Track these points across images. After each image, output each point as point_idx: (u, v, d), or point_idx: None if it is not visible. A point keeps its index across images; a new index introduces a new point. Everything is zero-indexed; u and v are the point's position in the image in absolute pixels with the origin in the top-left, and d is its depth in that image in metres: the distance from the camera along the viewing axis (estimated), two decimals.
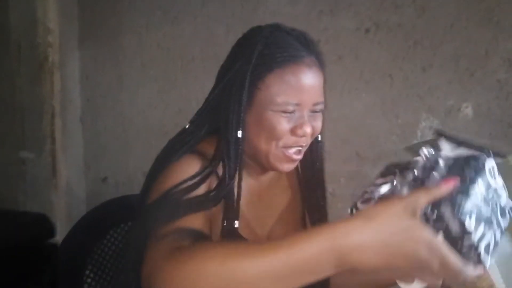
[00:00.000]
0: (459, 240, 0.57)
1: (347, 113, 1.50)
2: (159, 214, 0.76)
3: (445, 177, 0.61)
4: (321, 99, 0.87)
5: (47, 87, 1.63)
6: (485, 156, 0.64)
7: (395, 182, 0.63)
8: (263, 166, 0.87)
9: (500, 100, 1.40)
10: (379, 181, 0.65)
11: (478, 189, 0.59)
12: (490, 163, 0.63)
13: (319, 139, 0.97)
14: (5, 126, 1.69)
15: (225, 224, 0.82)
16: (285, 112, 0.81)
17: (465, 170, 0.61)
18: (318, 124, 0.88)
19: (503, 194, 0.63)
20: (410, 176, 0.63)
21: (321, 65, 0.86)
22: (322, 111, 0.88)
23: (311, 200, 0.98)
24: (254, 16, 1.51)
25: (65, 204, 1.68)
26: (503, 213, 0.62)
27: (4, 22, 1.62)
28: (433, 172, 0.62)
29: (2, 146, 1.71)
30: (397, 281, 0.70)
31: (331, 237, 0.56)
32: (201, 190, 0.79)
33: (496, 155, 0.65)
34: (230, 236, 0.82)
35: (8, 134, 1.68)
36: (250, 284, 0.57)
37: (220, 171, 0.82)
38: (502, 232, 0.62)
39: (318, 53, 0.85)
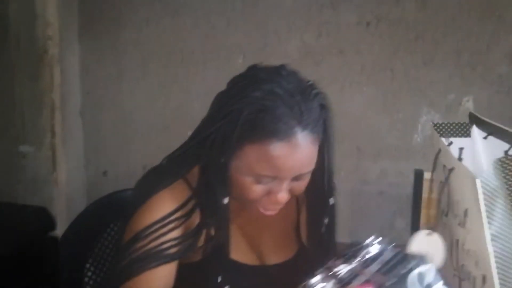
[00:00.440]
0: None
1: (348, 107, 1.50)
2: (123, 266, 0.75)
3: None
4: (309, 169, 0.77)
5: (46, 80, 1.62)
6: (418, 261, 0.62)
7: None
8: None
9: (501, 95, 1.40)
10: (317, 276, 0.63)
11: None
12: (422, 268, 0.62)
13: (331, 202, 0.85)
14: (4, 120, 1.68)
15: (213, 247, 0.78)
16: (261, 182, 0.75)
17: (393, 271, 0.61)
18: (302, 185, 0.78)
19: None
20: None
21: (318, 134, 0.75)
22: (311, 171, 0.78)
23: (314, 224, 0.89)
24: (255, 9, 1.50)
25: (65, 198, 1.68)
26: None
27: (3, 15, 1.61)
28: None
29: (2, 140, 1.70)
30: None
31: None
32: (175, 233, 0.76)
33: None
34: (218, 256, 0.79)
35: (8, 128, 1.67)
36: None
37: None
38: None
39: (316, 121, 0.74)
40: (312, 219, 0.88)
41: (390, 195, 1.51)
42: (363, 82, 1.47)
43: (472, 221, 0.74)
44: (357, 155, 1.51)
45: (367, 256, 0.65)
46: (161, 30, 1.58)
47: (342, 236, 1.46)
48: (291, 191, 0.77)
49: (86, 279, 1.05)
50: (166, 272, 0.76)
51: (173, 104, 1.62)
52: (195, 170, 0.81)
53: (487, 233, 0.69)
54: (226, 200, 0.77)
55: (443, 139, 0.86)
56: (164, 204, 0.78)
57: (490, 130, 0.82)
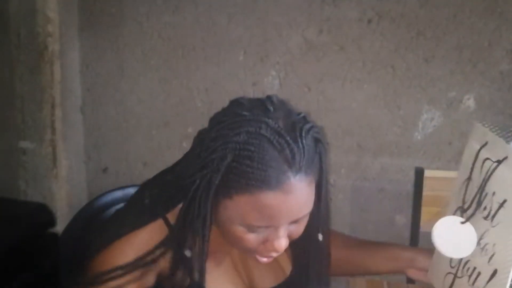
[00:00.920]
0: None
1: (349, 103, 1.49)
2: None
3: None
4: (306, 211, 0.71)
5: (47, 76, 1.62)
6: None
7: None
8: None
9: (503, 92, 1.40)
10: None
11: None
12: None
13: (320, 239, 0.79)
14: (5, 116, 1.68)
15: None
16: (255, 231, 0.69)
17: None
18: (300, 227, 0.72)
19: None
20: None
21: (314, 173, 0.69)
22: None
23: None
24: (256, 5, 1.50)
25: (65, 194, 1.68)
26: None
27: (3, 11, 1.60)
28: None
29: (2, 136, 1.70)
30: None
31: None
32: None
33: None
34: None
35: (8, 124, 1.67)
36: None
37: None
38: None
39: (311, 160, 0.67)
40: (297, 254, 0.83)
41: (390, 192, 1.51)
42: (364, 78, 1.47)
43: (509, 212, 0.75)
44: (358, 151, 1.51)
45: None
46: (162, 26, 1.58)
47: (342, 232, 1.45)
48: (289, 235, 0.71)
49: None
50: None
51: (173, 100, 1.61)
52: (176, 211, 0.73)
53: None
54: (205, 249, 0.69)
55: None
56: (133, 248, 0.70)
57: None
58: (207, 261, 0.71)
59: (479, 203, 0.83)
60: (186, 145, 1.63)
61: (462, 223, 0.84)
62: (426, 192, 1.24)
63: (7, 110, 1.66)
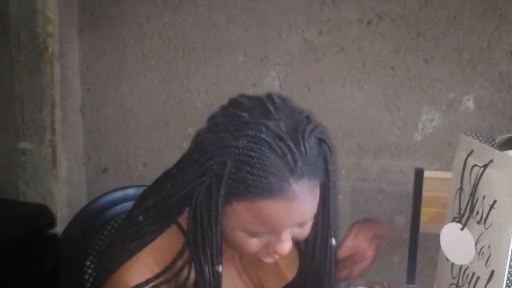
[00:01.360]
0: None
1: (349, 104, 1.49)
2: None
3: None
4: (310, 216, 0.68)
5: (47, 77, 1.62)
6: None
7: None
8: None
9: (502, 93, 1.40)
10: None
11: None
12: None
13: (333, 243, 0.77)
14: (5, 117, 1.68)
15: None
16: (256, 236, 0.66)
17: None
18: (305, 230, 0.70)
19: None
20: None
21: (319, 177, 0.66)
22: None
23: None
24: (255, 6, 1.50)
25: (65, 195, 1.68)
26: None
27: (3, 11, 1.60)
28: None
29: (2, 136, 1.70)
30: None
31: None
32: None
33: None
34: None
35: (8, 124, 1.67)
36: None
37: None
38: None
39: (314, 164, 0.64)
40: (311, 260, 0.79)
41: (390, 192, 1.51)
42: (364, 79, 1.47)
43: (500, 212, 0.78)
44: (358, 152, 1.51)
45: None
46: (162, 27, 1.58)
47: (341, 233, 1.46)
48: (294, 238, 0.69)
49: (86, 276, 1.05)
50: None
51: (173, 101, 1.61)
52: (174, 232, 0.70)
53: None
54: (219, 268, 0.66)
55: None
56: (142, 270, 0.66)
57: None
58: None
59: (471, 209, 0.84)
60: (186, 146, 1.61)
61: (461, 229, 0.86)
62: (425, 193, 1.24)
63: (7, 110, 1.66)
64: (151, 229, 0.70)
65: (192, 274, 0.69)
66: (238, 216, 0.64)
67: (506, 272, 0.77)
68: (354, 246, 0.88)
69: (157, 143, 1.65)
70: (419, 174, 1.26)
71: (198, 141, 0.68)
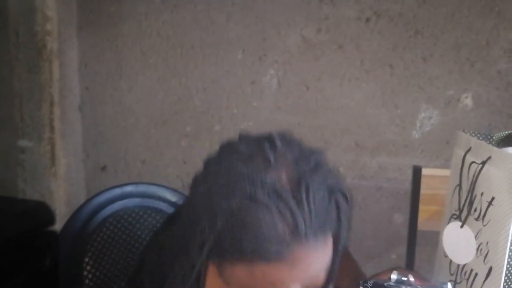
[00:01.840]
0: None
1: (347, 102, 1.50)
2: None
3: None
4: (319, 276, 0.60)
5: (45, 75, 1.62)
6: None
7: None
8: None
9: (500, 91, 1.40)
10: None
11: None
12: None
13: None
14: (3, 115, 1.68)
15: None
16: None
17: None
18: (317, 283, 0.61)
19: None
20: None
21: (329, 231, 0.59)
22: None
23: None
24: (254, 4, 1.50)
25: (64, 192, 1.68)
26: None
27: (2, 9, 1.60)
28: None
29: (0, 134, 1.70)
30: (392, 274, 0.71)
31: None
32: None
33: None
34: None
35: (7, 122, 1.67)
36: None
37: None
38: None
39: (324, 218, 0.57)
40: None
41: (388, 190, 1.52)
42: (362, 77, 1.47)
43: (498, 208, 0.79)
44: (356, 150, 1.51)
45: None
46: (160, 25, 1.58)
47: None
48: None
49: (85, 273, 1.05)
50: None
51: (172, 98, 1.62)
52: None
53: None
54: None
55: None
56: None
57: None
58: None
59: (470, 206, 0.85)
60: (184, 144, 1.63)
61: (461, 227, 0.87)
62: (424, 191, 1.24)
63: (6, 108, 1.66)
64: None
65: None
66: (233, 277, 0.58)
67: (504, 268, 0.77)
68: None
69: (156, 141, 1.66)
70: (417, 172, 1.26)
71: (192, 194, 0.62)
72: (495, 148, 0.82)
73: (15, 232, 1.35)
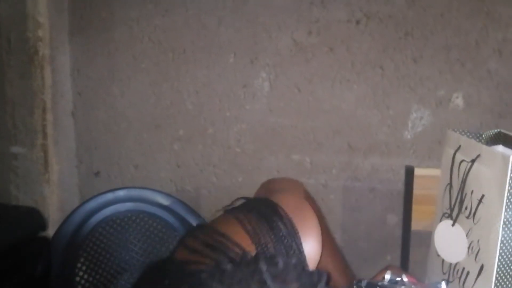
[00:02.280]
0: None
1: (338, 104, 1.50)
2: None
3: None
4: None
5: (38, 81, 1.61)
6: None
7: None
8: None
9: (491, 90, 1.41)
10: None
11: None
12: None
13: None
14: None
15: None
16: None
17: None
18: None
19: None
20: None
21: None
22: None
23: None
24: (245, 8, 1.51)
25: (57, 198, 1.68)
26: None
27: None
28: None
29: None
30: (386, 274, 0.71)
31: None
32: None
33: None
34: None
35: None
36: None
37: None
38: None
39: None
40: None
41: (381, 191, 1.52)
42: (353, 79, 1.48)
43: (488, 206, 0.79)
44: (348, 152, 1.52)
45: None
46: (152, 30, 1.58)
47: (333, 232, 1.47)
48: None
49: (78, 279, 1.05)
50: None
51: (164, 103, 1.62)
52: None
53: (502, 216, 0.75)
54: None
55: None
56: None
57: None
58: None
59: (461, 205, 0.85)
60: (177, 148, 1.63)
61: (452, 225, 0.87)
62: (416, 191, 1.24)
63: None
64: None
65: None
66: None
67: (495, 266, 0.77)
68: None
69: (149, 145, 1.65)
70: (409, 172, 1.26)
71: None
72: (484, 146, 0.83)
73: (6, 239, 1.34)
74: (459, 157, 0.88)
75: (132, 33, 1.60)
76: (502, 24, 1.37)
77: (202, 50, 1.56)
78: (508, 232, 0.76)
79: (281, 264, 0.49)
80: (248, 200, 0.69)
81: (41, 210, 1.57)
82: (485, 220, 0.80)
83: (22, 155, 1.65)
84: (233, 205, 0.73)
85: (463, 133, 0.92)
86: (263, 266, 0.48)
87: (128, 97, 1.64)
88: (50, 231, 1.52)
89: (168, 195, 1.29)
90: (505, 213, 0.76)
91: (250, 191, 0.96)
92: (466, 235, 0.84)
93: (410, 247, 1.27)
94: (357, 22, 1.45)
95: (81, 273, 1.06)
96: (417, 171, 1.26)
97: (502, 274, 0.78)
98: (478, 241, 0.81)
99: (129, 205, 1.16)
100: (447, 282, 0.88)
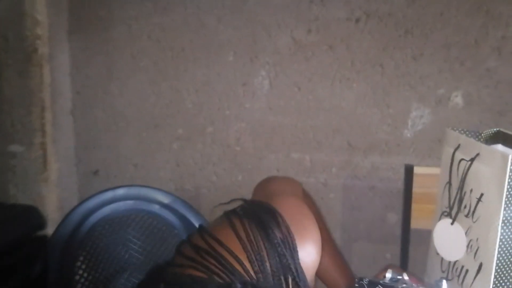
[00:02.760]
0: None
1: (338, 102, 1.50)
2: None
3: None
4: None
5: (36, 80, 1.61)
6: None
7: None
8: None
9: (490, 89, 1.41)
10: None
11: None
12: None
13: None
14: None
15: None
16: None
17: None
18: None
19: None
20: None
21: None
22: None
23: None
24: (244, 6, 1.50)
25: (56, 198, 1.67)
26: None
27: None
28: None
29: None
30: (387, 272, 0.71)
31: None
32: None
33: None
34: None
35: None
36: None
37: None
38: None
39: None
40: None
41: (381, 189, 1.52)
42: (353, 77, 1.48)
43: (487, 205, 0.79)
44: (348, 150, 1.52)
45: None
46: (151, 28, 1.58)
47: (333, 231, 1.47)
48: None
49: (77, 277, 1.05)
50: None
51: (163, 102, 1.61)
52: None
53: (501, 215, 0.75)
54: None
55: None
56: None
57: None
58: None
59: (460, 203, 0.85)
60: (176, 147, 1.63)
61: (451, 224, 0.87)
62: (416, 189, 1.24)
63: None
64: None
65: None
66: None
67: (494, 264, 0.77)
68: None
69: (148, 144, 1.65)
70: (409, 171, 1.26)
71: None
72: (484, 145, 0.83)
73: (5, 238, 1.34)
74: (458, 155, 0.88)
75: (131, 32, 1.60)
76: (502, 23, 1.37)
77: (201, 48, 1.55)
78: (507, 230, 0.76)
79: None
80: (247, 204, 0.69)
81: (40, 209, 1.57)
82: (484, 218, 0.80)
83: (21, 154, 1.64)
84: (231, 205, 0.73)
85: (462, 131, 0.92)
86: None
87: (127, 96, 1.64)
88: (49, 230, 1.51)
89: (168, 193, 1.29)
90: (504, 212, 0.76)
91: (250, 190, 0.96)
92: (465, 233, 0.84)
93: (409, 246, 1.27)
94: (357, 21, 1.45)
95: (80, 272, 1.05)
96: (417, 170, 1.26)
97: (500, 272, 0.78)
98: (477, 239, 0.81)
99: (128, 204, 1.15)
100: (446, 280, 0.88)
